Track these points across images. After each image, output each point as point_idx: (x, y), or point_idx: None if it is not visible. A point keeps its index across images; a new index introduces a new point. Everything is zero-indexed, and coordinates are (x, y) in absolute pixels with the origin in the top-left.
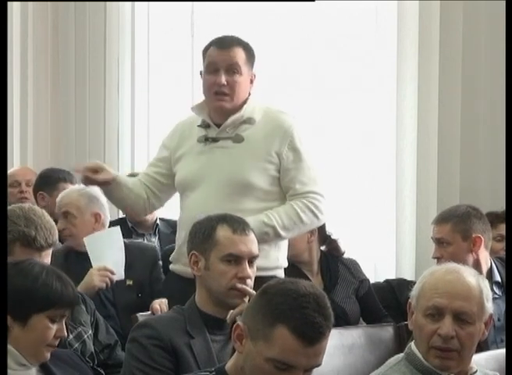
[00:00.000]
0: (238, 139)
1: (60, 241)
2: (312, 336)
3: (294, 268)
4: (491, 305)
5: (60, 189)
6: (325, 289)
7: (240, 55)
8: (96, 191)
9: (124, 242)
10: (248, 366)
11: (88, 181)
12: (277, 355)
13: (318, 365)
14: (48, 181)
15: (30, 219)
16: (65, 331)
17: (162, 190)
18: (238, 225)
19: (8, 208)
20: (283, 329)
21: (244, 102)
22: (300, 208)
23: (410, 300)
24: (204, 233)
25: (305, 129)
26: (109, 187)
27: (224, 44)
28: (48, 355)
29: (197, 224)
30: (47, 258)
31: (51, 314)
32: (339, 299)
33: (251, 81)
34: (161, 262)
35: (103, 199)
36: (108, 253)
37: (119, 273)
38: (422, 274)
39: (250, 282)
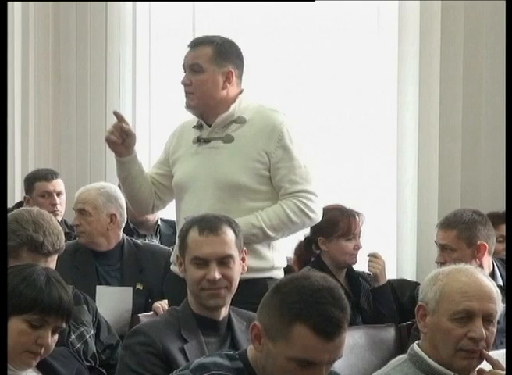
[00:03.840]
0: (228, 139)
1: (72, 237)
2: (332, 331)
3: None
4: (501, 306)
5: (36, 188)
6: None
7: (202, 53)
8: (115, 190)
9: (138, 244)
10: (269, 365)
11: (115, 138)
12: (298, 353)
13: (340, 357)
14: (28, 183)
15: (39, 223)
16: (49, 339)
17: (165, 192)
18: (206, 225)
19: (16, 211)
20: (302, 327)
21: (233, 100)
22: (289, 207)
23: (421, 303)
24: (180, 236)
25: (304, 129)
26: (129, 160)
27: (191, 44)
28: (32, 362)
29: (182, 226)
30: (52, 263)
31: (29, 318)
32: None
33: (228, 78)
34: None
35: (122, 200)
36: (114, 310)
37: (121, 331)
38: (430, 276)
39: (225, 282)
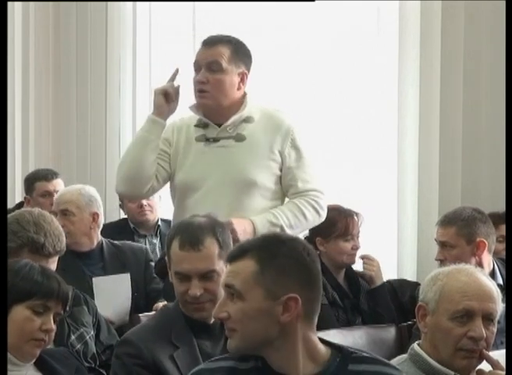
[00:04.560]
0: (240, 138)
1: None
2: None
3: None
4: (501, 305)
5: (36, 188)
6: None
7: (221, 52)
8: (94, 191)
9: (116, 244)
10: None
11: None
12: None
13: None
14: (28, 183)
15: (40, 225)
16: (52, 324)
17: (163, 177)
18: (188, 239)
19: (18, 212)
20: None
21: (241, 101)
22: (304, 206)
23: (421, 303)
24: (167, 242)
25: (306, 129)
26: (164, 125)
27: (208, 42)
28: (37, 352)
29: (169, 232)
30: (53, 264)
31: (31, 305)
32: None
33: (242, 79)
34: (153, 263)
35: (100, 201)
36: (114, 298)
37: (123, 319)
38: (430, 276)
39: (208, 296)
